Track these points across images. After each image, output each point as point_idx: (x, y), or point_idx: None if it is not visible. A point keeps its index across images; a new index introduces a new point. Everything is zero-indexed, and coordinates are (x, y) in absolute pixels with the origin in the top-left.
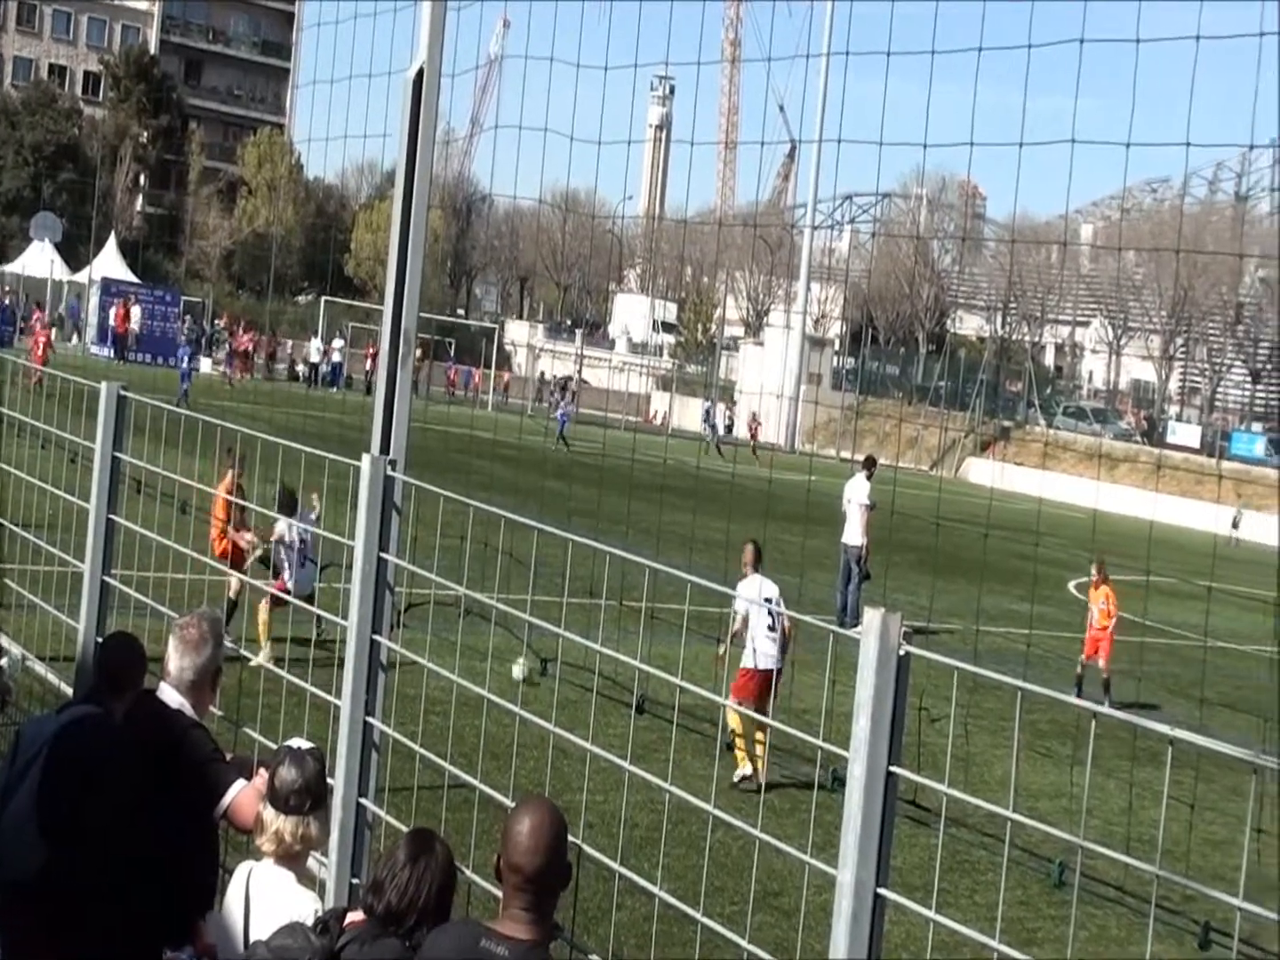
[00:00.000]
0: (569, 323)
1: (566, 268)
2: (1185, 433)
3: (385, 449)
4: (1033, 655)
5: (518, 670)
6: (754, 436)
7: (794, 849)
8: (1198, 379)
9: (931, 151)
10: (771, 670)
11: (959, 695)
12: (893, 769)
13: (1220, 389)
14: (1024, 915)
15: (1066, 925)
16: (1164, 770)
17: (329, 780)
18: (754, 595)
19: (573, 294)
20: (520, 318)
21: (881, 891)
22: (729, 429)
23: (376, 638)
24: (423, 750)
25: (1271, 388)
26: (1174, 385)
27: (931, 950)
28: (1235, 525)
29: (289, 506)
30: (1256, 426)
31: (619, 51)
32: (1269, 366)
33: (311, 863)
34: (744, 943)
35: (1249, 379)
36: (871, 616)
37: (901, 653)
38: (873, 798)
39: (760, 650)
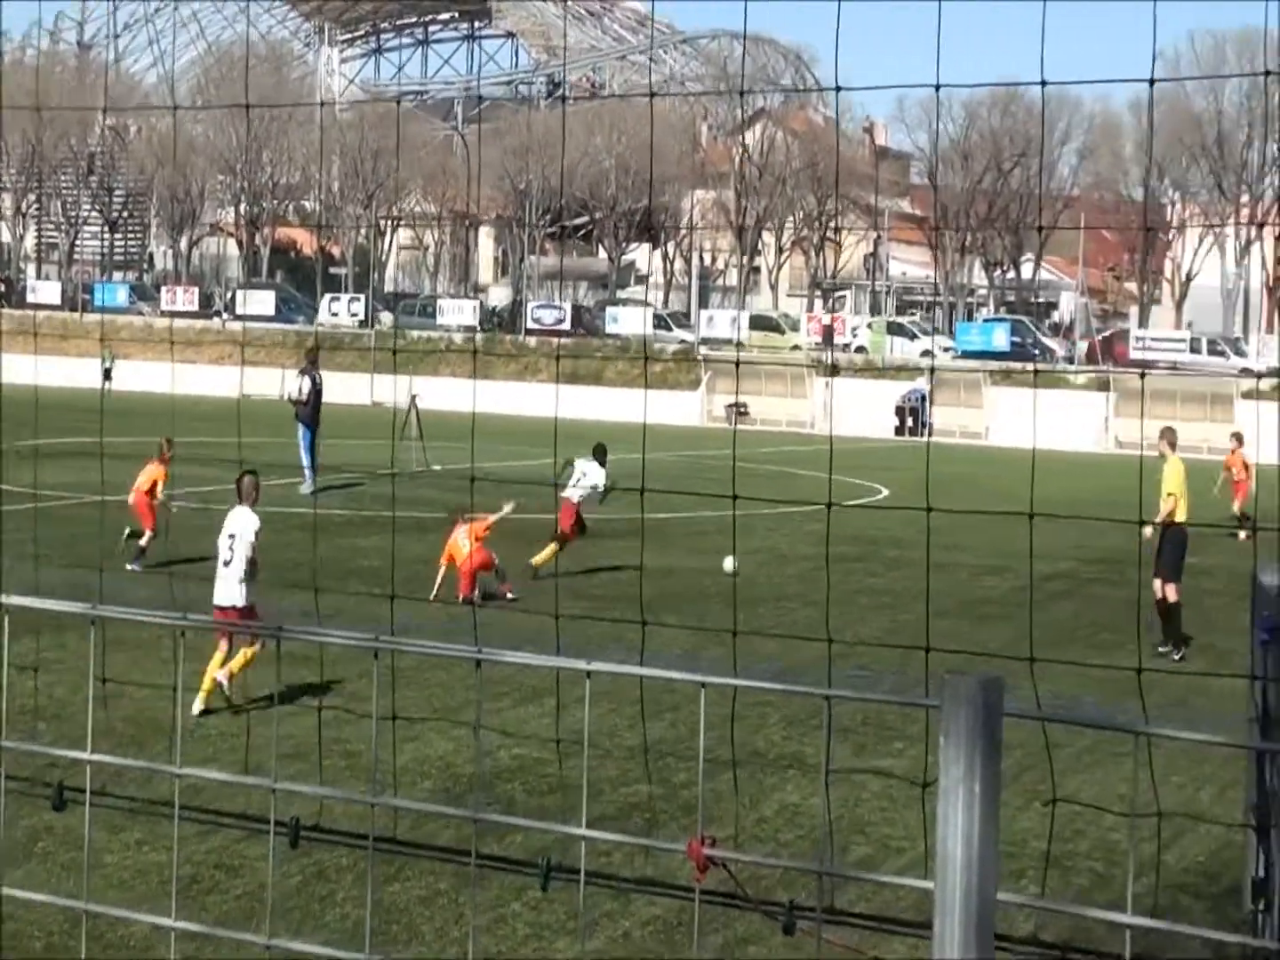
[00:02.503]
0: None
1: None
2: (47, 290)
3: None
4: None
5: (729, 563)
6: None
7: None
8: (54, 234)
9: None
10: (223, 607)
11: None
12: None
13: (79, 242)
14: None
15: None
16: None
17: None
18: (235, 527)
19: None
20: None
21: None
22: None
23: None
24: None
25: (131, 235)
26: (30, 243)
27: None
28: (108, 377)
29: None
30: (122, 276)
31: None
32: (125, 215)
33: None
34: None
35: (106, 229)
36: None
37: None
38: None
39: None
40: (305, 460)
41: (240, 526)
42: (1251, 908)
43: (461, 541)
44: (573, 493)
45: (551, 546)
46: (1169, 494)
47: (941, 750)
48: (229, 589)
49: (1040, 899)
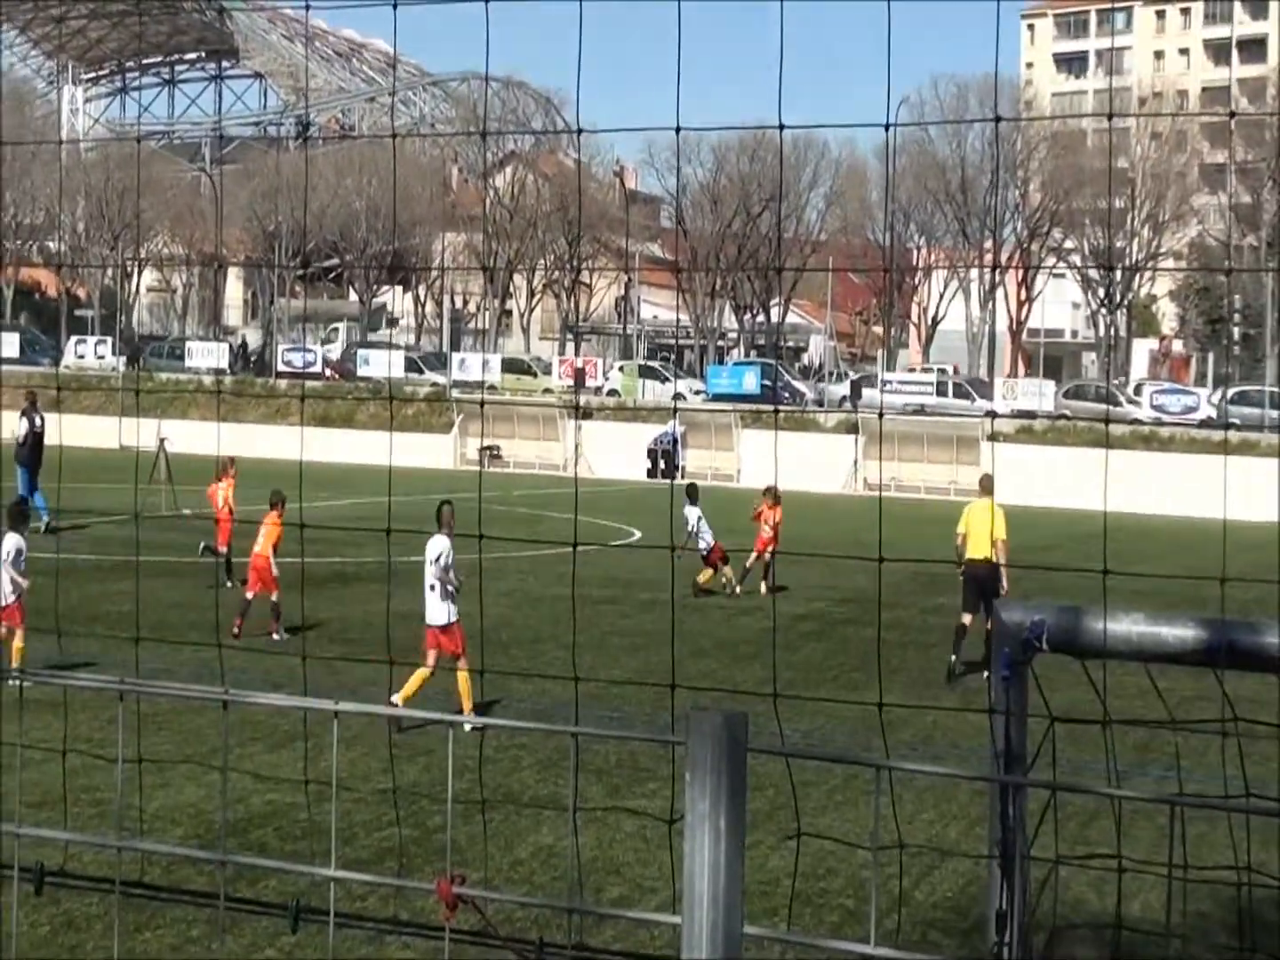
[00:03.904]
0: None
1: None
2: None
3: None
4: None
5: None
6: None
7: None
8: None
9: None
10: (431, 625)
11: None
12: None
13: None
14: None
15: None
16: None
17: None
18: (430, 553)
19: None
20: None
21: None
22: None
23: None
24: None
25: None
26: None
27: None
28: None
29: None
30: None
31: None
32: None
33: None
34: None
35: None
36: None
37: None
38: None
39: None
40: (37, 502)
41: (435, 552)
42: (996, 940)
43: (261, 533)
44: (702, 541)
45: (727, 569)
46: (961, 534)
47: (687, 786)
48: (434, 609)
49: (787, 933)
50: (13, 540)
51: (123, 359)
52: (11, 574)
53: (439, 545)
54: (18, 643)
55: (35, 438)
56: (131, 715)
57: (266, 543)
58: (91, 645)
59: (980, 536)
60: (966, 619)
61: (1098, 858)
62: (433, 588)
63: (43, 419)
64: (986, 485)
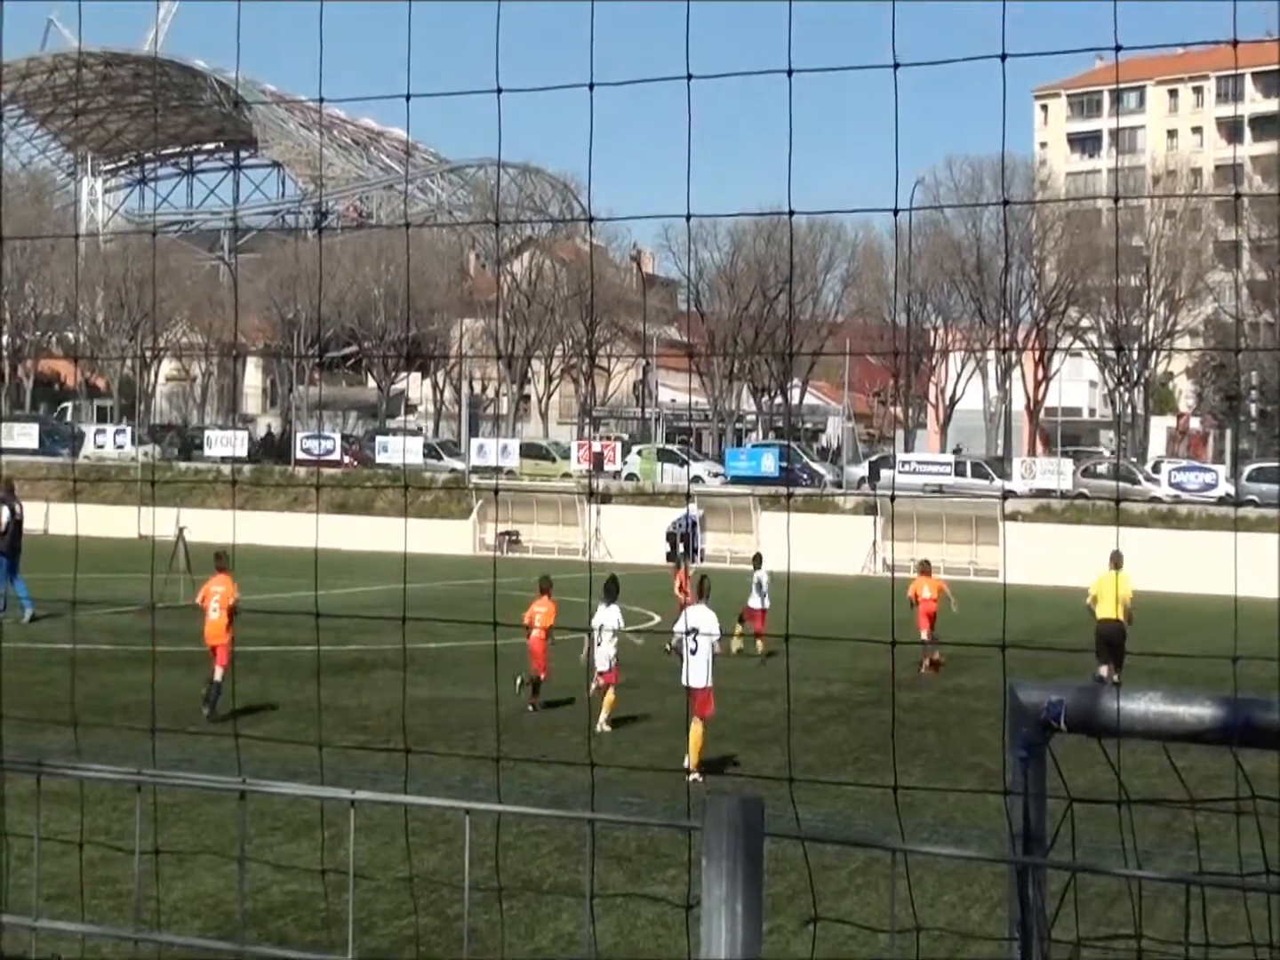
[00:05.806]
0: None
1: None
2: None
3: None
4: None
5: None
6: None
7: None
8: None
9: None
10: (691, 688)
11: None
12: None
13: None
14: None
15: None
16: None
17: None
18: (686, 624)
19: None
20: None
21: None
22: None
23: None
24: None
25: None
26: None
27: None
28: None
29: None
30: None
31: None
32: None
33: None
34: None
35: None
36: None
37: None
38: None
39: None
40: (19, 590)
41: (702, 622)
42: None
43: (537, 617)
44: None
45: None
46: (1092, 598)
47: (703, 872)
48: (697, 673)
49: None
50: (613, 613)
51: (155, 449)
52: (612, 643)
53: (710, 619)
54: (610, 695)
55: (15, 525)
56: (149, 806)
57: (543, 624)
58: (109, 735)
59: (1109, 600)
60: (1103, 670)
61: (1119, 939)
62: (694, 652)
63: (20, 506)
64: (1117, 561)
